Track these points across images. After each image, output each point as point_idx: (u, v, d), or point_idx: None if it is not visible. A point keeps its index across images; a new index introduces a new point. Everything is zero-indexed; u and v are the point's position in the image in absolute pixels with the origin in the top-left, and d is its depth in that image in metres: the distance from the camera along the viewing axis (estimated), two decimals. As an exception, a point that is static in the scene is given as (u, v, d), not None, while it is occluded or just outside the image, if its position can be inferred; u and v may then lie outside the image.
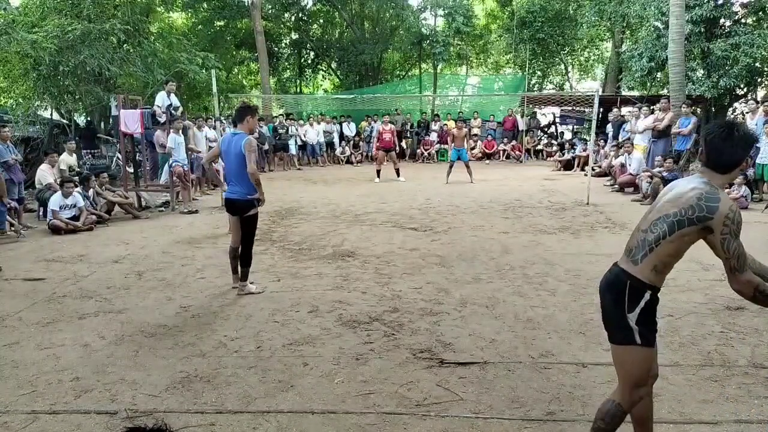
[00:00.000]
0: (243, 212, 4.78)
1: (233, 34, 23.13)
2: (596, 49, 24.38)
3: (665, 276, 2.20)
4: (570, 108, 18.19)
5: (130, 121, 9.04)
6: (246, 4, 21.17)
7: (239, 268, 4.89)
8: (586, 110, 17.31)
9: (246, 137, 4.67)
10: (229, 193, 4.82)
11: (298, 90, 25.70)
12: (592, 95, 10.61)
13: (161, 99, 9.36)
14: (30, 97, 12.15)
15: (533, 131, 19.04)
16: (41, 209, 8.52)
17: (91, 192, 8.32)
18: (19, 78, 11.94)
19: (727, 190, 8.92)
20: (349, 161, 17.64)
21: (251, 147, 4.65)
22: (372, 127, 17.58)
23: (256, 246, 6.37)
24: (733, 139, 2.12)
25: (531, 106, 19.05)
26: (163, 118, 9.22)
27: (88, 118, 14.28)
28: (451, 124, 17.84)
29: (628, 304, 2.18)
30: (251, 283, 4.97)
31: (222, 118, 12.26)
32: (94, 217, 7.97)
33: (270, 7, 22.54)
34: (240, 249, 4.86)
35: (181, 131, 9.49)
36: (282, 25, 24.23)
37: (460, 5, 20.52)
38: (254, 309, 4.47)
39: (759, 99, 13.03)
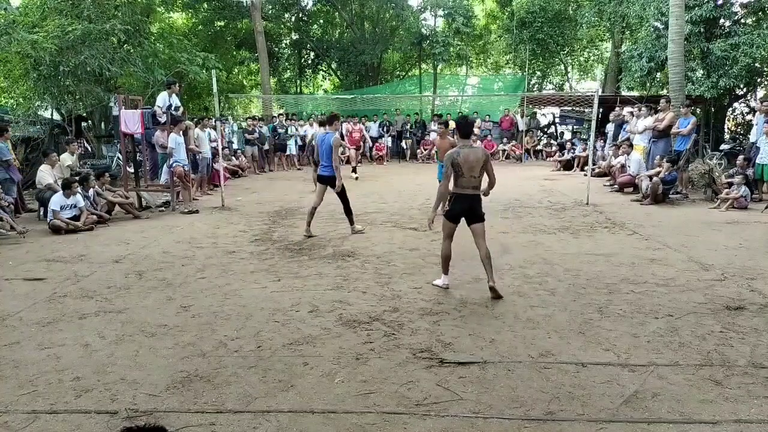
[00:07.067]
0: (331, 184, 6.88)
1: (233, 35, 23.15)
2: (596, 49, 24.41)
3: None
4: (570, 108, 18.20)
5: (131, 121, 9.04)
6: (246, 4, 21.19)
7: (347, 217, 7.19)
8: (586, 110, 17.32)
9: (334, 135, 6.85)
10: (322, 170, 7.01)
11: (298, 90, 25.72)
12: (592, 95, 10.61)
13: (162, 99, 9.35)
14: (30, 97, 12.13)
15: (533, 131, 19.04)
16: (41, 209, 8.52)
17: (91, 192, 8.32)
18: (19, 78, 11.92)
19: (726, 189, 8.99)
20: (349, 161, 17.67)
21: (339, 142, 6.99)
22: (368, 127, 18.01)
23: (257, 246, 6.53)
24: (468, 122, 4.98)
25: (531, 106, 19.06)
26: (163, 119, 9.21)
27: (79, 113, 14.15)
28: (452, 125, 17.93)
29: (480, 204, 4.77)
30: (358, 225, 7.27)
31: (222, 118, 12.26)
32: (94, 217, 7.97)
33: (270, 7, 22.56)
34: (343, 208, 7.12)
35: (181, 132, 9.50)
36: (282, 26, 24.25)
37: (460, 6, 20.54)
38: (254, 309, 4.47)
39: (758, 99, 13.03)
